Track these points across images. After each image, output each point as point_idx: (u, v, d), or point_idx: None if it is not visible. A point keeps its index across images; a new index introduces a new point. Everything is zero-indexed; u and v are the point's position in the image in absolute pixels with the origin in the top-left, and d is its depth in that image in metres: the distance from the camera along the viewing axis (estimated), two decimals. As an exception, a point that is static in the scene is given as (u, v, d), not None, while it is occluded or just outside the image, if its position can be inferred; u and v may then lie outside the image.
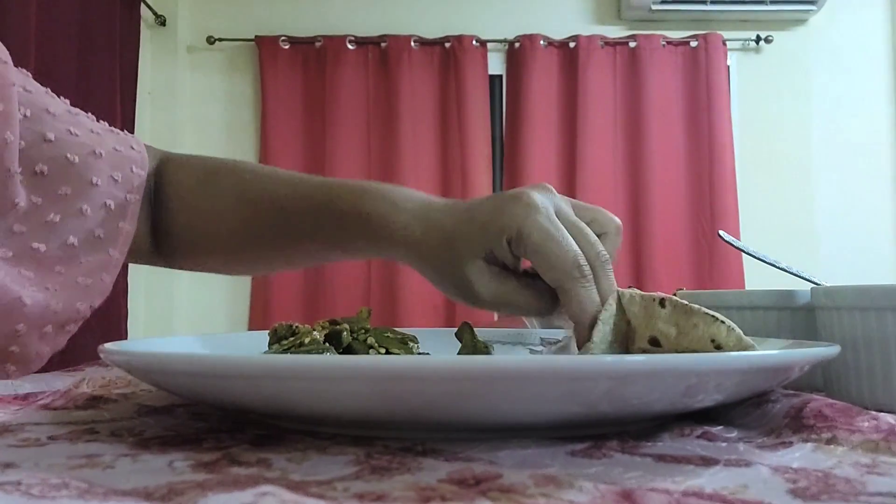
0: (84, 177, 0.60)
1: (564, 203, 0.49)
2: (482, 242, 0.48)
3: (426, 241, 0.52)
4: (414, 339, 0.49)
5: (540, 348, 0.56)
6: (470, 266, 0.49)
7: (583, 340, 0.42)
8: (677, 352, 0.38)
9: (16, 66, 0.60)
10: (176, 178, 0.69)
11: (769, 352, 0.33)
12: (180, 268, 0.72)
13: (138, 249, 0.67)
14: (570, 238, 0.45)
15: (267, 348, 0.47)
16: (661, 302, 0.39)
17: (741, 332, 0.37)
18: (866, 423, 0.32)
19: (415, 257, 0.53)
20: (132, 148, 0.65)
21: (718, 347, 0.37)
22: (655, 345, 0.39)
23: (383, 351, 0.47)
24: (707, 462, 0.28)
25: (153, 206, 0.68)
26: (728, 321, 0.37)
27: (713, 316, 0.37)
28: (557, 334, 0.56)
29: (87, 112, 0.65)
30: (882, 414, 0.33)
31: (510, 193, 0.48)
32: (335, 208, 0.60)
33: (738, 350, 0.36)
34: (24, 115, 0.59)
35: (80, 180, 0.60)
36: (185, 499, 0.22)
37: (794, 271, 0.55)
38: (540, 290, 0.48)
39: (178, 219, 0.68)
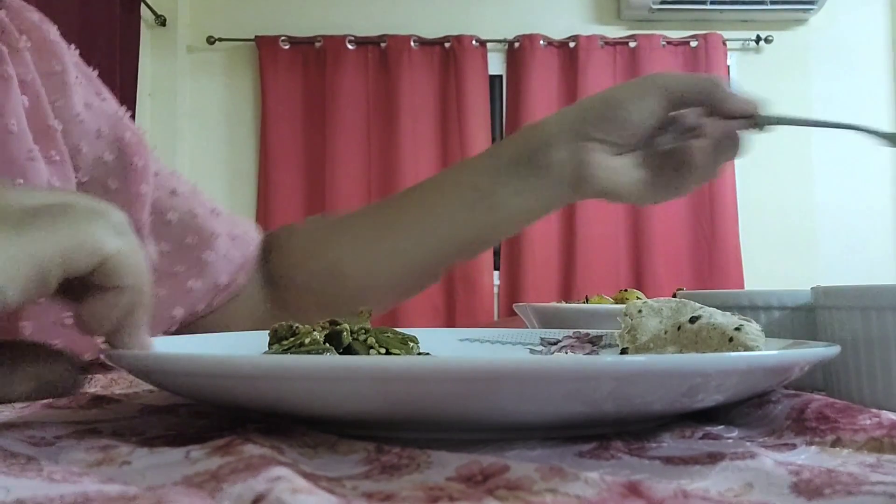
0: (207, 228, 0.68)
1: None
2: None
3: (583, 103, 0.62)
4: (414, 340, 0.49)
5: (540, 348, 0.56)
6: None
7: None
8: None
9: None
10: (298, 233, 0.75)
11: (769, 352, 0.33)
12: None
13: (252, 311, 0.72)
14: None
15: (267, 348, 0.47)
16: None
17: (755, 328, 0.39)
18: (868, 421, 0.32)
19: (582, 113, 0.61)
20: (244, 219, 0.74)
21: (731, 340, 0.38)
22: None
23: (383, 351, 0.46)
24: (713, 459, 0.28)
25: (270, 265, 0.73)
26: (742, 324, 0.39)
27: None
28: (557, 335, 0.56)
29: None
30: (882, 411, 0.33)
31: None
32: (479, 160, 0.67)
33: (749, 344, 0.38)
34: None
35: (203, 231, 0.68)
36: (203, 492, 0.22)
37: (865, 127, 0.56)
38: None
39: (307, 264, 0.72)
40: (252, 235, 0.73)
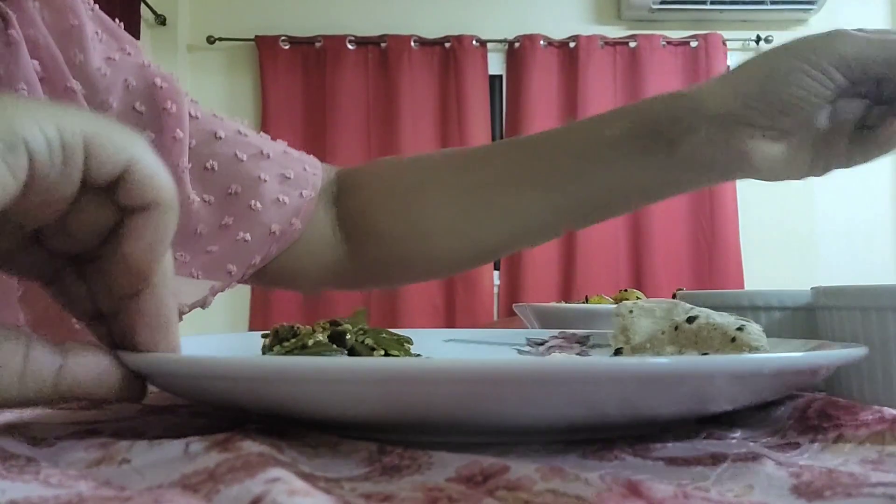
0: (251, 173, 0.63)
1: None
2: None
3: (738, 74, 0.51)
4: (409, 341, 0.49)
5: (527, 349, 0.55)
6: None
7: None
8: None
9: None
10: (377, 172, 0.69)
11: (795, 353, 0.33)
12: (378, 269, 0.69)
13: (320, 253, 0.67)
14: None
15: (264, 349, 0.47)
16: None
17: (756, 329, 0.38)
18: (870, 416, 0.32)
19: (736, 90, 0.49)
20: (304, 157, 0.68)
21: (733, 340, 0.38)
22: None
23: (382, 352, 0.46)
24: (716, 460, 0.28)
25: (342, 206, 0.68)
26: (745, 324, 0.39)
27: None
28: (543, 335, 0.55)
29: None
30: (885, 407, 0.33)
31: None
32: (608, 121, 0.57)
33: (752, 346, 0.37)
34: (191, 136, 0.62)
35: (248, 177, 0.63)
36: (199, 496, 0.22)
37: None
38: None
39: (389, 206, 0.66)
40: (311, 173, 0.67)
